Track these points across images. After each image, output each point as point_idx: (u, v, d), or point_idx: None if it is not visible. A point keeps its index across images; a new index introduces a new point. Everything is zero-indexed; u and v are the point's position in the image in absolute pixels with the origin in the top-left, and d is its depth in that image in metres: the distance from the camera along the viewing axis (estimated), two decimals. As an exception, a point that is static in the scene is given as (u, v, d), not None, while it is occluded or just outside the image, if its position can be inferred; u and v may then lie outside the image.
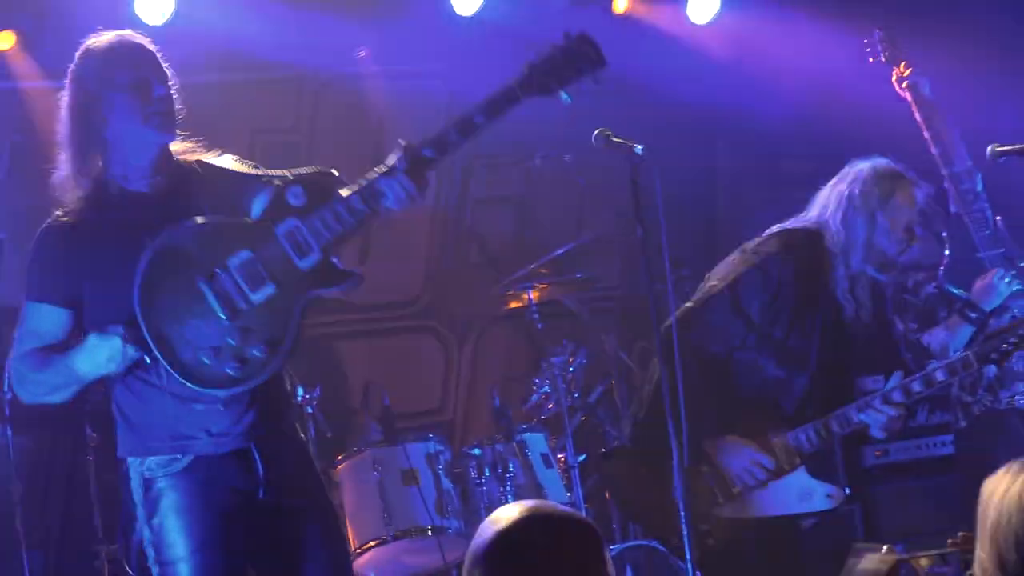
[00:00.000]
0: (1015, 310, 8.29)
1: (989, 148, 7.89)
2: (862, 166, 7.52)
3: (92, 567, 8.43)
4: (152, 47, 6.30)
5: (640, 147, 7.13)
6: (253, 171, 6.36)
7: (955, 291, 8.24)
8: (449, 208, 10.57)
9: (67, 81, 6.25)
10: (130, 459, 6.12)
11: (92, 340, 5.91)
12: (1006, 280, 8.18)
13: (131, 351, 5.83)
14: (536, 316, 9.21)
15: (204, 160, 6.39)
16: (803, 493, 7.33)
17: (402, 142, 6.03)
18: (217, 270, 5.87)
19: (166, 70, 6.27)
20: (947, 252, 8.38)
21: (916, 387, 7.37)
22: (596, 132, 7.24)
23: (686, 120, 10.02)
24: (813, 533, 7.45)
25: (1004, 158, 7.83)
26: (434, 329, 10.66)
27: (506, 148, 10.05)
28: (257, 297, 5.91)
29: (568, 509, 3.62)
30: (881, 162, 7.56)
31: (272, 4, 9.32)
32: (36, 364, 6.15)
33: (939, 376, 7.30)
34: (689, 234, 8.15)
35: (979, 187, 8.27)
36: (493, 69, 10.02)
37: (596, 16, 10.01)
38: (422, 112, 10.28)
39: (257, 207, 6.05)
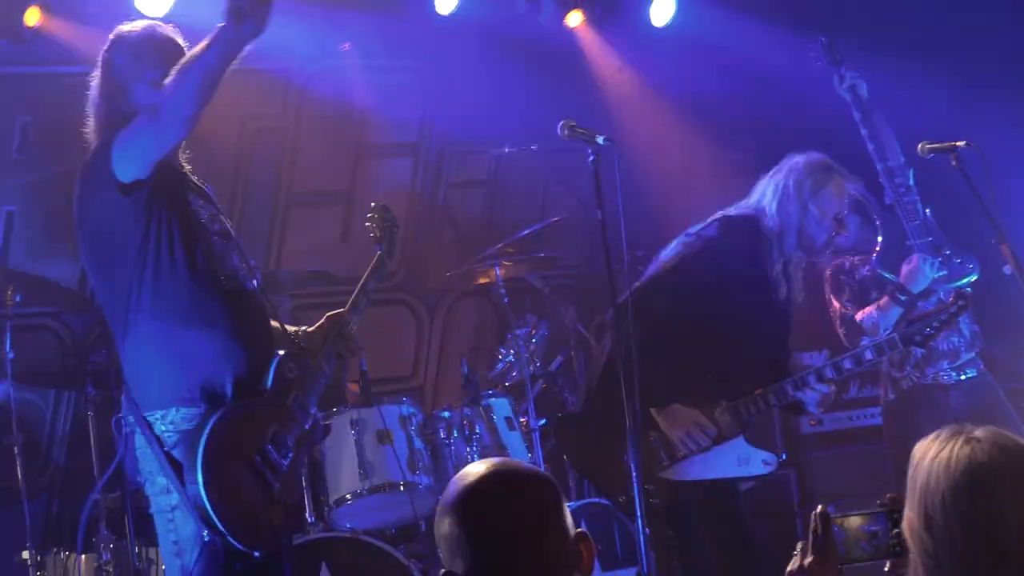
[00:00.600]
0: (940, 293, 8.41)
1: (920, 145, 7.99)
2: (797, 159, 7.80)
3: (91, 515, 8.23)
4: (182, 42, 6.39)
5: (602, 138, 7.20)
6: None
7: (887, 275, 8.27)
8: (425, 191, 10.61)
9: (99, 64, 6.39)
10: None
11: None
12: (932, 266, 8.24)
13: None
14: (503, 291, 9.24)
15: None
16: (741, 458, 7.42)
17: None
18: None
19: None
20: (880, 239, 8.40)
21: (847, 364, 7.66)
22: (561, 123, 7.31)
23: (643, 114, 9.99)
24: (750, 495, 7.52)
25: (932, 155, 7.94)
26: (408, 302, 10.69)
27: (478, 137, 10.09)
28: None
29: (530, 466, 3.71)
30: (815, 156, 7.81)
31: None
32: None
33: (868, 355, 7.53)
34: (642, 219, 8.16)
35: (911, 181, 8.35)
36: (468, 64, 10.09)
37: (558, 17, 10.00)
38: (400, 103, 10.40)
39: None
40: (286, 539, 6.43)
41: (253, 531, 6.18)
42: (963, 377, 8.60)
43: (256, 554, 6.18)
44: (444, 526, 3.53)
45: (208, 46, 5.88)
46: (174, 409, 6.15)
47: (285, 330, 6.69)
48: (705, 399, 7.51)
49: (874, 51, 9.20)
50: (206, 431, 6.07)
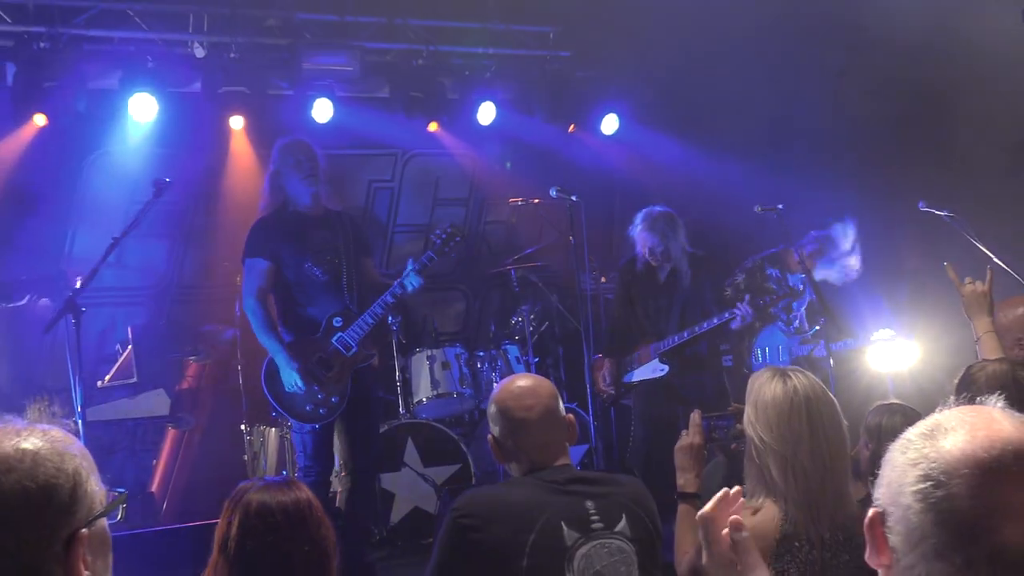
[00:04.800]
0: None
1: (756, 207, 7.16)
2: (647, 210, 7.47)
3: (241, 444, 8.19)
4: (308, 144, 6.52)
5: (575, 196, 7.31)
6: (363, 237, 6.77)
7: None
8: (471, 225, 10.34)
9: (271, 161, 6.51)
10: None
11: (286, 366, 6.28)
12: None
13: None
14: (515, 284, 9.14)
15: (336, 210, 6.69)
16: (655, 368, 7.42)
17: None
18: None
19: (315, 153, 6.46)
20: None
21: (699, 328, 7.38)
22: (553, 188, 7.44)
23: (598, 184, 9.96)
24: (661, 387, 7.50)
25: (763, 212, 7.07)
26: (461, 288, 10.52)
27: (502, 194, 9.95)
28: (327, 376, 6.33)
29: (543, 377, 3.74)
30: (657, 208, 7.44)
31: (379, 111, 9.22)
32: (258, 325, 6.39)
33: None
34: (598, 246, 8.17)
35: None
36: (500, 155, 9.98)
37: (558, 132, 9.78)
38: (457, 176, 10.26)
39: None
40: (342, 420, 6.42)
41: (303, 414, 6.27)
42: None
43: (314, 426, 6.28)
44: (493, 407, 3.58)
45: None
46: None
47: (356, 296, 6.51)
48: (645, 343, 7.48)
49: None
50: (268, 358, 6.33)
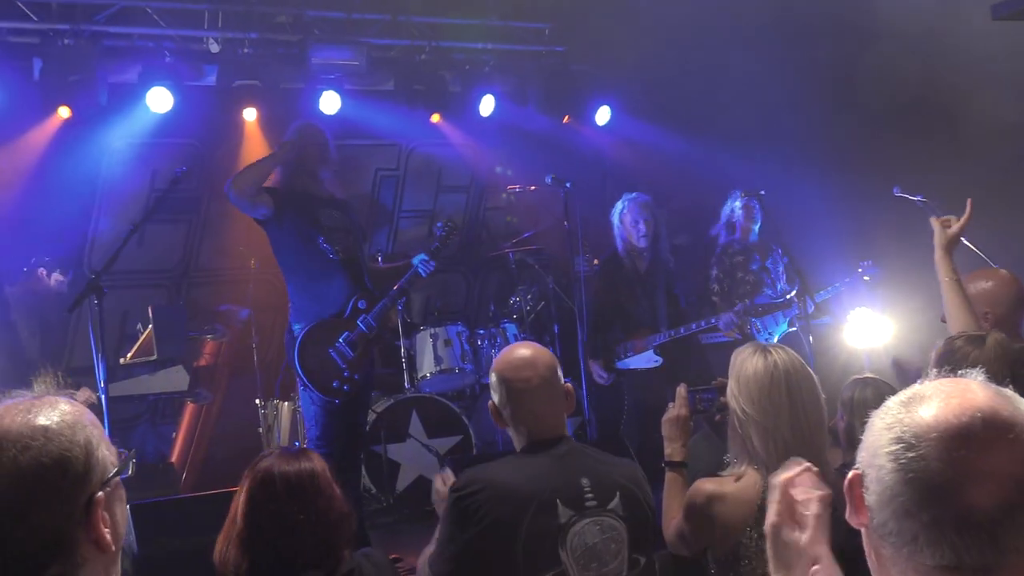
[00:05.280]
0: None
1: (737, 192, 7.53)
2: (632, 195, 7.56)
3: (283, 379, 8.21)
4: (323, 130, 6.51)
5: (569, 184, 7.30)
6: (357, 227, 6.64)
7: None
8: (471, 211, 10.36)
9: (286, 140, 6.42)
10: None
11: None
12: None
13: None
14: (513, 266, 9.11)
15: (341, 197, 6.64)
16: (649, 359, 7.44)
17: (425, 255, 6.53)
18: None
19: (328, 139, 6.45)
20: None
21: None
22: (548, 176, 7.42)
23: (591, 172, 9.96)
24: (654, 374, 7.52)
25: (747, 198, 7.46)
26: (462, 271, 10.49)
27: (501, 182, 9.92)
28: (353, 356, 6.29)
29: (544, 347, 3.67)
30: (632, 194, 7.52)
31: (384, 104, 9.18)
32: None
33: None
34: (591, 230, 8.15)
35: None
36: (495, 142, 10.00)
37: (553, 122, 9.75)
38: (458, 165, 10.23)
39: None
40: (357, 393, 6.40)
41: (329, 389, 6.22)
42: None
43: (336, 401, 6.24)
44: (494, 375, 3.52)
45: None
46: (298, 325, 6.30)
47: (368, 279, 6.52)
48: (640, 333, 7.49)
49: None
50: (302, 334, 6.25)
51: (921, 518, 1.56)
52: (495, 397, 3.51)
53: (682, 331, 7.40)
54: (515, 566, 3.23)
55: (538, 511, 3.27)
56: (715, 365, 7.22)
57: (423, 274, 6.53)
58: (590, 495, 3.32)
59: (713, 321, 7.32)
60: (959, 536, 1.54)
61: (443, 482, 3.60)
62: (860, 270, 7.67)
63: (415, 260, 6.55)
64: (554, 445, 3.43)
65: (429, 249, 6.59)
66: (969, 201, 4.45)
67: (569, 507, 3.30)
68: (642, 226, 7.45)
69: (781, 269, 7.76)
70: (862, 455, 1.67)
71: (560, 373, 3.54)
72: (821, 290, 7.58)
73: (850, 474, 1.68)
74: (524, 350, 3.56)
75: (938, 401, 1.62)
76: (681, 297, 7.76)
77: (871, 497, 1.63)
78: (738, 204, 7.73)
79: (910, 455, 1.58)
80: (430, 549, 3.45)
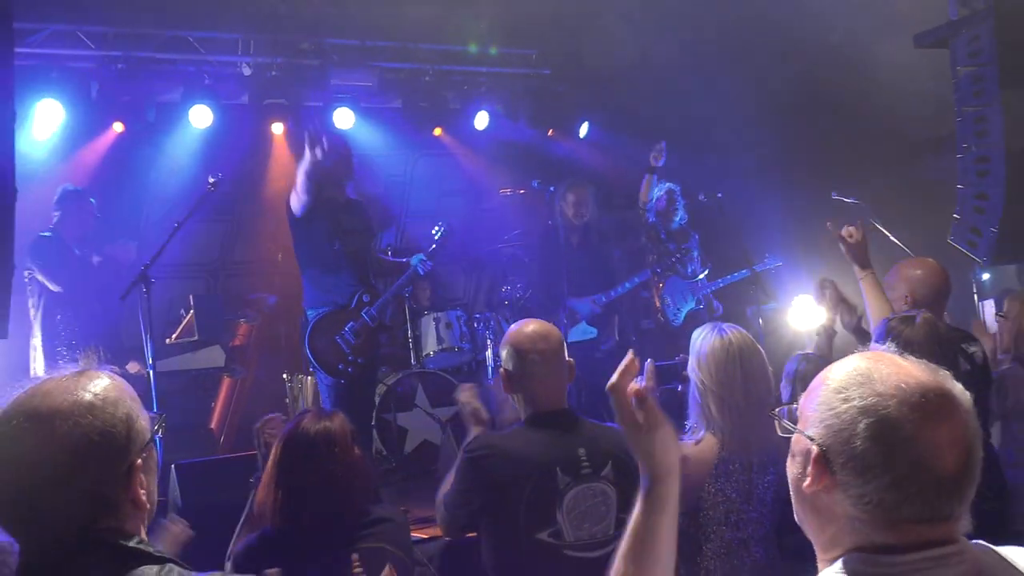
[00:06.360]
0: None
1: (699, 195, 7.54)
2: (572, 179, 7.70)
3: (283, 389, 8.06)
4: (348, 146, 6.47)
5: (552, 188, 7.33)
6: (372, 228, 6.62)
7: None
8: (468, 212, 10.19)
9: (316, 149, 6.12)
10: None
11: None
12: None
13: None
14: (505, 259, 9.11)
15: (356, 199, 6.56)
16: (585, 331, 7.44)
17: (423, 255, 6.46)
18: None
19: (352, 154, 6.41)
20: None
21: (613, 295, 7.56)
22: (535, 180, 7.42)
23: (573, 175, 9.92)
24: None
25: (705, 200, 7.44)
26: (461, 264, 10.39)
27: (495, 184, 9.98)
28: (356, 342, 6.21)
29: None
30: (572, 180, 7.67)
31: (393, 119, 9.13)
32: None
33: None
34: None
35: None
36: (492, 154, 9.97)
37: (539, 135, 9.72)
38: (457, 172, 10.16)
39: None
40: (361, 374, 6.33)
41: (334, 371, 6.18)
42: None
43: (342, 380, 6.19)
44: (509, 346, 3.46)
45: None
46: (311, 311, 6.26)
47: (373, 276, 6.47)
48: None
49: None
50: (312, 322, 6.21)
51: (902, 484, 1.59)
52: (509, 366, 3.45)
53: (612, 294, 7.45)
54: (516, 523, 3.24)
55: (540, 477, 3.26)
56: (664, 347, 7.26)
57: (421, 272, 6.51)
58: (586, 463, 3.31)
59: (637, 280, 7.45)
60: (936, 495, 1.59)
61: (463, 392, 3.79)
62: (766, 260, 7.80)
63: (414, 260, 6.49)
64: (556, 417, 3.42)
65: (427, 251, 6.53)
66: (860, 220, 4.58)
67: (567, 474, 3.29)
68: (583, 202, 7.51)
69: (696, 255, 7.89)
70: (821, 431, 1.66)
71: (565, 348, 3.50)
72: (728, 275, 7.74)
73: (814, 451, 1.66)
74: (538, 326, 3.50)
75: (894, 379, 1.63)
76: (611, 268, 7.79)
77: (842, 468, 1.63)
78: (663, 194, 7.89)
79: (892, 438, 1.59)
80: (446, 487, 3.44)
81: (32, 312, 6.80)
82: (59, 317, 6.74)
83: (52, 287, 6.74)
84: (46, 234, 6.87)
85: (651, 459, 1.95)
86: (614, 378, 1.95)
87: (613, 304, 7.69)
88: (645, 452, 1.96)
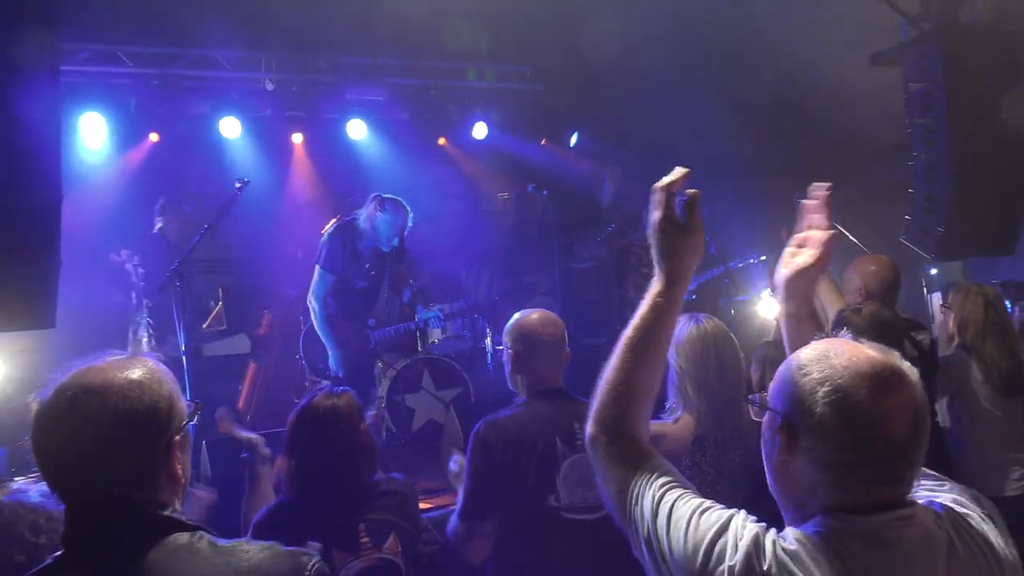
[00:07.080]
0: None
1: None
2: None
3: (302, 374, 8.04)
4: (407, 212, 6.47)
5: (546, 191, 7.28)
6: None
7: None
8: (468, 213, 10.25)
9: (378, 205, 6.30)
10: None
11: (332, 352, 6.31)
12: None
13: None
14: (503, 257, 9.05)
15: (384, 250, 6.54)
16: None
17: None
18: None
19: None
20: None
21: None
22: (530, 185, 7.41)
23: (563, 182, 9.90)
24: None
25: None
26: (462, 260, 10.29)
27: (495, 188, 9.99)
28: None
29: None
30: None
31: (402, 130, 9.05)
32: (319, 320, 6.37)
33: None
34: (564, 228, 8.07)
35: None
36: (490, 161, 9.92)
37: (533, 144, 9.65)
38: (459, 177, 10.08)
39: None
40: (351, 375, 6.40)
41: (316, 369, 6.37)
42: None
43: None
44: (518, 331, 3.44)
45: None
46: (317, 303, 6.45)
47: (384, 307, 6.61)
48: None
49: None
50: (305, 328, 6.35)
51: (857, 448, 1.62)
52: (517, 347, 3.45)
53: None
54: (526, 486, 3.26)
55: (543, 449, 3.29)
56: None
57: (432, 326, 6.68)
58: (579, 435, 3.31)
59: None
60: (888, 458, 1.64)
61: (456, 464, 3.59)
62: (748, 257, 7.78)
63: (429, 316, 6.68)
64: (553, 395, 3.44)
65: (441, 315, 6.77)
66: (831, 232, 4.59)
67: (564, 444, 3.31)
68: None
69: None
70: (789, 405, 1.69)
71: (566, 336, 3.52)
72: (705, 272, 7.69)
73: (780, 422, 1.69)
74: (545, 314, 3.52)
75: (849, 356, 1.67)
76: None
77: (805, 434, 1.66)
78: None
79: (838, 397, 1.63)
80: (454, 518, 3.41)
81: (135, 297, 6.98)
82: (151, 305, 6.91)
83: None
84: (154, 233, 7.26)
85: (676, 260, 1.94)
86: (664, 180, 1.97)
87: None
88: (673, 252, 1.95)
